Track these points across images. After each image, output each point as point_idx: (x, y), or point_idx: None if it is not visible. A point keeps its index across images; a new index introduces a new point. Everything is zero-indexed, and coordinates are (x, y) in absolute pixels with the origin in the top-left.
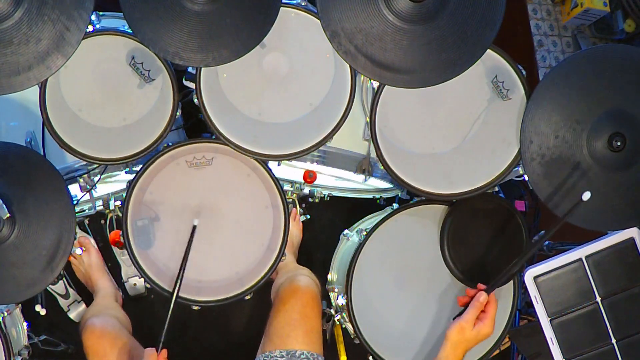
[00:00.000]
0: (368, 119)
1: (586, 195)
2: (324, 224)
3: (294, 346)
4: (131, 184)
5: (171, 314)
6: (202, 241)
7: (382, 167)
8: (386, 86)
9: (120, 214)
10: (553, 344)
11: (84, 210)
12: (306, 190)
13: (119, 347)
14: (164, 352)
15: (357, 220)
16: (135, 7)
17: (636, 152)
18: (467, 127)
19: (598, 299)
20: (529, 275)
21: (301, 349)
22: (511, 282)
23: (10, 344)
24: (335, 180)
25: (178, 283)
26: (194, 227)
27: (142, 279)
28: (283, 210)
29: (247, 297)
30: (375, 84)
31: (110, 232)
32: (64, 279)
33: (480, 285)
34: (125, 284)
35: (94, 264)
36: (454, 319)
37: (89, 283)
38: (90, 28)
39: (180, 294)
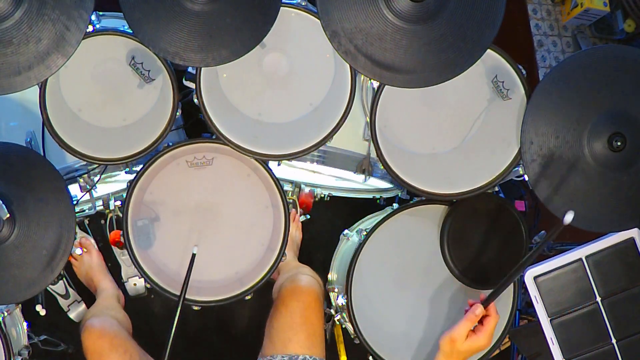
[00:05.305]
0: (368, 119)
1: (568, 218)
2: (324, 224)
3: (296, 350)
4: (131, 184)
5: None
6: (202, 241)
7: (382, 167)
8: (386, 86)
9: (120, 214)
10: (553, 344)
11: (84, 210)
12: (306, 190)
13: (117, 347)
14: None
15: (357, 220)
16: (135, 7)
17: (636, 152)
18: (467, 127)
19: (598, 299)
20: (529, 275)
21: (303, 353)
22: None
23: (10, 344)
24: (335, 180)
25: (178, 311)
26: (193, 255)
27: (142, 279)
28: (283, 210)
29: (247, 297)
30: (375, 84)
31: (110, 232)
32: (64, 279)
33: (482, 295)
34: (125, 284)
35: (95, 265)
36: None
37: (90, 284)
38: (90, 28)
39: None
